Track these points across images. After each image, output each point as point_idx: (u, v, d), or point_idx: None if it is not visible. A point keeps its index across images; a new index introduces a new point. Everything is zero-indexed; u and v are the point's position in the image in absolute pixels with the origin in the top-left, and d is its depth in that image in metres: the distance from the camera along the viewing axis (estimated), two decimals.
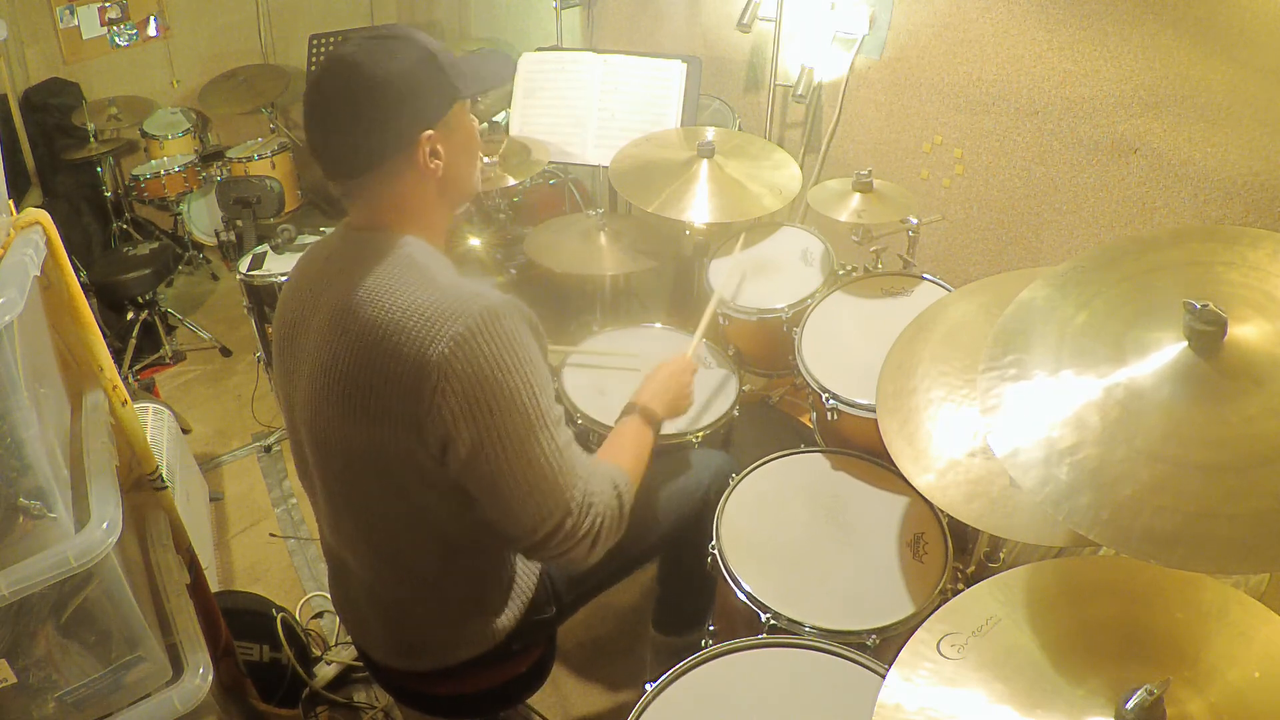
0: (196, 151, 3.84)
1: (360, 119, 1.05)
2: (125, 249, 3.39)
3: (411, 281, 1.04)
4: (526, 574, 1.30)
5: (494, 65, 1.23)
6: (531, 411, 1.04)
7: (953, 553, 1.39)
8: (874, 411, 1.42)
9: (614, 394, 1.80)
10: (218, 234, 3.59)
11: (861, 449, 1.60)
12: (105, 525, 1.15)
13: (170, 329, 3.43)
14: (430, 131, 1.08)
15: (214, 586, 1.85)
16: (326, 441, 1.12)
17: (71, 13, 3.73)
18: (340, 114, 1.05)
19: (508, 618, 1.26)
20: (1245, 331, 0.90)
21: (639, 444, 1.30)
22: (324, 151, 1.08)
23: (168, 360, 3.33)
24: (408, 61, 1.05)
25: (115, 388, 1.39)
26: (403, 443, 1.04)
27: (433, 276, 1.05)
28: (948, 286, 1.81)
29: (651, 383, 1.42)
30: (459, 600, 1.23)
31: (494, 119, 3.11)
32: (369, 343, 1.03)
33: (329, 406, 1.08)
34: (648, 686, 1.15)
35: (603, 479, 1.15)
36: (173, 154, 3.79)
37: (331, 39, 3.91)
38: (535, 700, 1.64)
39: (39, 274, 1.17)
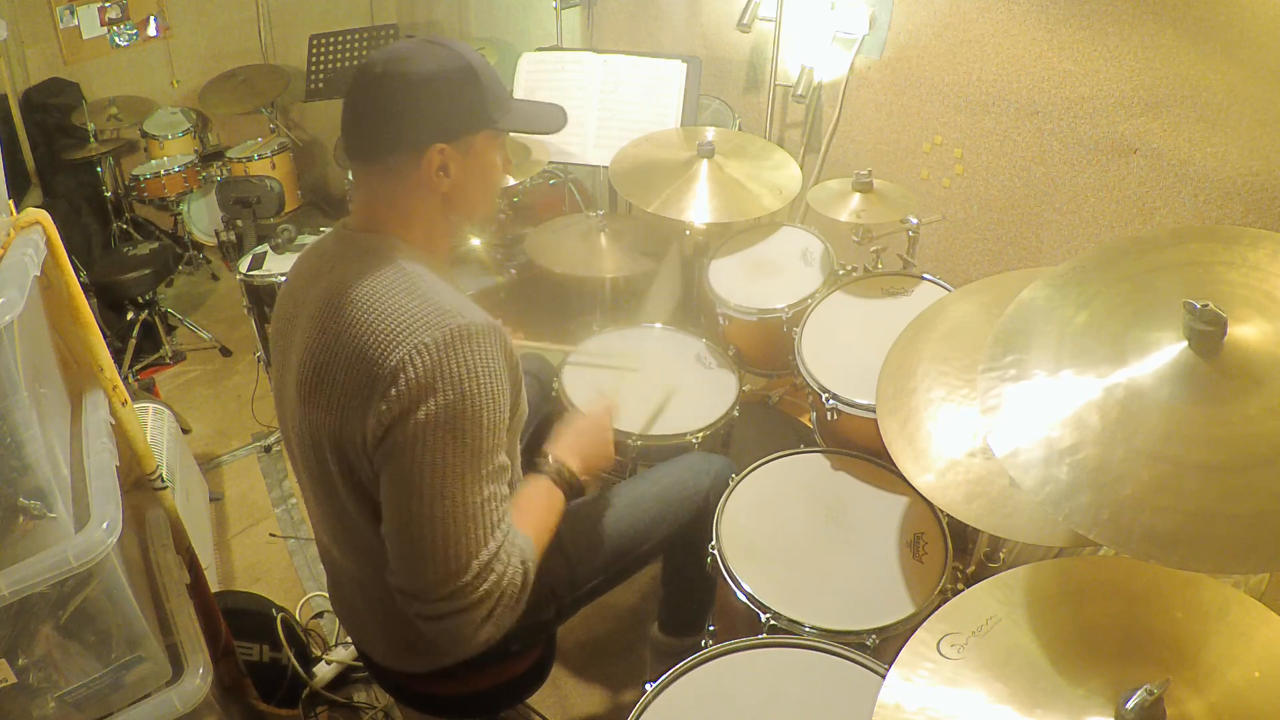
0: (196, 151, 3.84)
1: (378, 107, 1.06)
2: (125, 249, 3.39)
3: (394, 286, 1.04)
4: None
5: (544, 112, 1.23)
6: (472, 447, 0.99)
7: (953, 553, 1.39)
8: (874, 411, 1.42)
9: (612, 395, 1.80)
10: (218, 234, 3.58)
11: (861, 449, 1.60)
12: (105, 525, 1.15)
13: (170, 329, 3.43)
14: (444, 146, 1.07)
15: (214, 586, 1.85)
16: (303, 437, 1.12)
17: (71, 13, 3.72)
18: (366, 97, 1.07)
19: None
20: (1245, 331, 0.90)
21: (550, 510, 1.20)
22: (345, 129, 1.10)
23: (168, 360, 3.33)
24: (442, 69, 1.05)
25: (115, 388, 1.39)
26: (362, 445, 1.03)
27: (415, 284, 1.04)
28: (948, 286, 1.80)
29: (569, 435, 1.32)
30: None
31: None
32: (343, 340, 1.03)
33: (305, 401, 1.09)
34: (648, 686, 1.15)
35: (515, 550, 1.05)
36: (173, 154, 3.79)
37: (332, 39, 3.91)
38: (535, 700, 1.64)
39: (39, 274, 1.17)
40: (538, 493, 1.21)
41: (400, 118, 1.06)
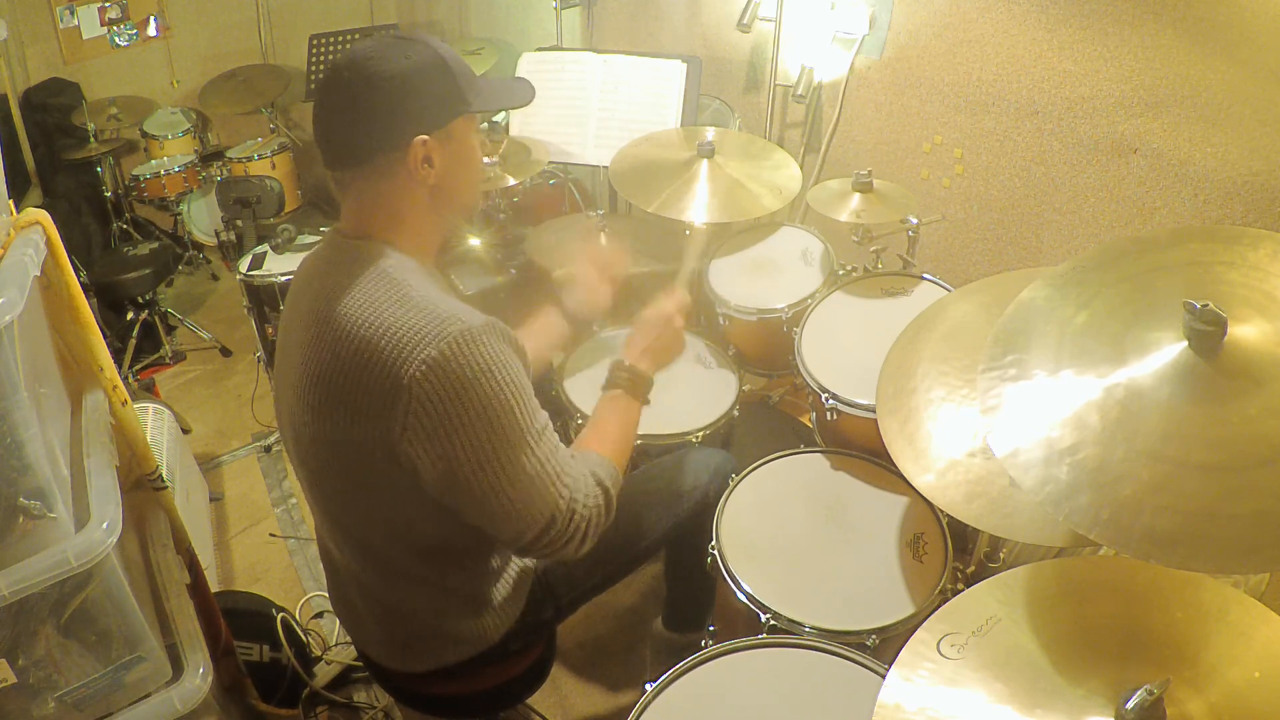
0: (196, 151, 3.84)
1: (357, 111, 1.06)
2: (125, 249, 3.39)
3: (385, 298, 1.03)
4: (519, 574, 1.30)
5: (512, 88, 1.24)
6: (514, 430, 1.04)
7: (953, 553, 1.39)
8: (874, 411, 1.42)
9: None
10: (218, 234, 3.59)
11: (861, 449, 1.60)
12: (105, 525, 1.15)
13: (170, 329, 3.43)
14: (425, 137, 1.07)
15: (214, 586, 1.85)
16: (303, 444, 1.13)
17: (71, 13, 3.73)
18: (341, 104, 1.07)
19: (503, 617, 1.27)
20: (1245, 331, 0.90)
21: (624, 420, 1.28)
22: (322, 139, 1.09)
23: (168, 360, 3.33)
24: (415, 63, 1.06)
25: (115, 388, 1.39)
26: (373, 456, 1.04)
27: (407, 294, 1.04)
28: (948, 286, 1.80)
29: (638, 337, 1.37)
30: (447, 599, 1.23)
31: (494, 119, 3.11)
32: (341, 355, 1.03)
33: (304, 411, 1.09)
34: (648, 686, 1.15)
35: (586, 477, 1.14)
36: (173, 154, 3.79)
37: (332, 39, 3.91)
38: (535, 700, 1.64)
39: (39, 274, 1.17)
40: (611, 410, 1.29)
41: (381, 116, 1.06)
